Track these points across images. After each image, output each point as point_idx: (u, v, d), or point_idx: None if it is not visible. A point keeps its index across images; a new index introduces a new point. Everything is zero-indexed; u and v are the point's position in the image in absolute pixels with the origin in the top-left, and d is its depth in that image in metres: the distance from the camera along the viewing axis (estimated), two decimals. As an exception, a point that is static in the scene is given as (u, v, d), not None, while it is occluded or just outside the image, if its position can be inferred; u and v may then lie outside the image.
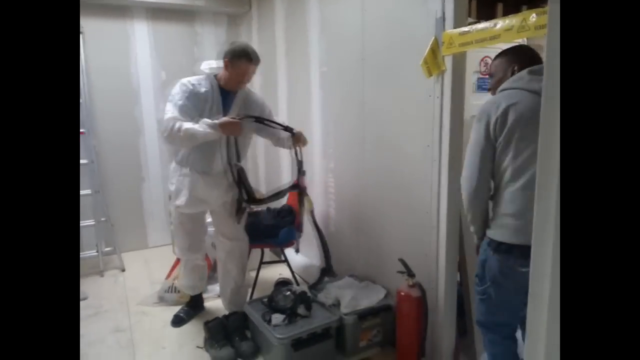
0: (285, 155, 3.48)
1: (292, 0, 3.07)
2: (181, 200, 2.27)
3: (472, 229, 1.67)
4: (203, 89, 2.18)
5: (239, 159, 2.31)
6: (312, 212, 2.44)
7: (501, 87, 1.52)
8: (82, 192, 3.25)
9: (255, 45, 3.83)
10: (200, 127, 2.05)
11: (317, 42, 2.79)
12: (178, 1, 3.58)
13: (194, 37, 3.85)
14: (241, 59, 2.13)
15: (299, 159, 2.36)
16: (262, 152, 4.03)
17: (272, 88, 3.54)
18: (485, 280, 1.58)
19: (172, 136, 2.07)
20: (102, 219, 3.40)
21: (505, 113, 1.43)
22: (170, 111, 2.11)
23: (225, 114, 2.18)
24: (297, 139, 2.32)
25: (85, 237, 3.43)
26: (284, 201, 3.16)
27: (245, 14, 3.89)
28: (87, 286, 3.04)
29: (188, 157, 2.24)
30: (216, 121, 2.06)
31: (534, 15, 1.41)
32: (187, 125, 2.05)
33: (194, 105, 2.13)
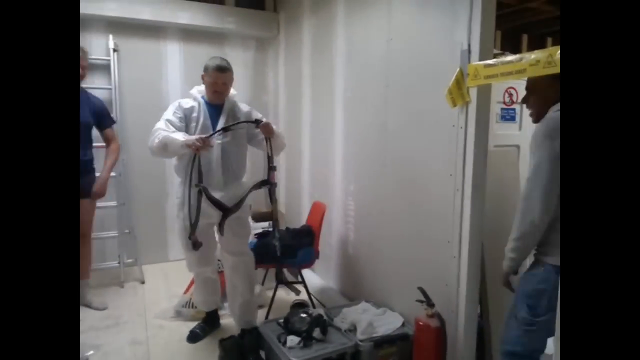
0: (306, 169, 3.52)
1: (320, 27, 3.17)
2: (185, 213, 2.32)
3: (513, 256, 1.58)
4: (189, 105, 2.34)
5: (236, 173, 2.40)
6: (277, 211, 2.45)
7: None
8: (107, 203, 3.34)
9: (282, 68, 3.94)
10: (170, 139, 2.14)
11: (342, 68, 2.85)
12: (209, 24, 3.73)
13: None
14: (209, 70, 2.28)
15: (269, 153, 2.37)
16: (283, 169, 4.09)
17: (297, 111, 3.62)
18: (541, 310, 1.50)
19: (150, 145, 2.22)
20: (126, 231, 3.49)
21: None
22: (157, 124, 2.26)
23: (214, 126, 2.31)
24: (263, 129, 2.32)
25: (108, 248, 3.52)
26: (303, 221, 3.19)
27: (274, 39, 4.01)
28: (108, 297, 3.10)
29: (188, 172, 2.27)
30: (182, 139, 2.12)
31: (559, 51, 1.43)
32: (163, 134, 2.17)
33: (178, 119, 2.28)
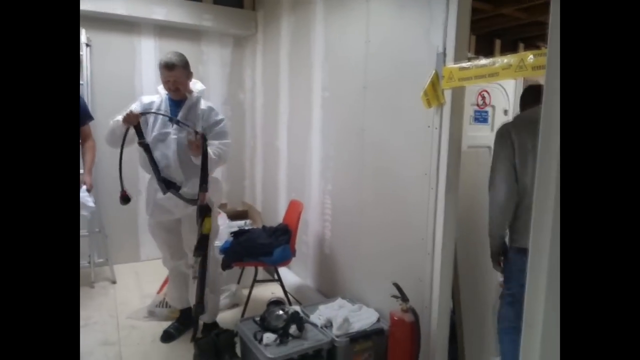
0: (283, 168, 3.53)
1: (298, 26, 3.18)
2: (148, 209, 2.38)
3: (490, 238, 1.98)
4: (149, 100, 2.36)
5: (197, 168, 2.23)
6: (206, 237, 2.20)
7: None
8: (78, 202, 3.24)
9: (260, 67, 3.93)
10: (113, 122, 2.24)
11: (320, 67, 2.88)
12: (185, 20, 3.67)
13: (199, 55, 3.94)
14: (160, 67, 2.26)
15: (202, 168, 2.16)
16: (259, 167, 4.08)
17: (274, 109, 3.62)
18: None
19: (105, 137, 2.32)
20: (96, 230, 3.40)
21: None
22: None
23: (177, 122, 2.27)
24: (189, 144, 2.15)
25: (77, 248, 3.42)
26: (280, 219, 3.19)
27: (252, 37, 4.00)
28: (77, 297, 3.01)
29: (145, 164, 2.31)
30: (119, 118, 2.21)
31: (531, 56, 1.50)
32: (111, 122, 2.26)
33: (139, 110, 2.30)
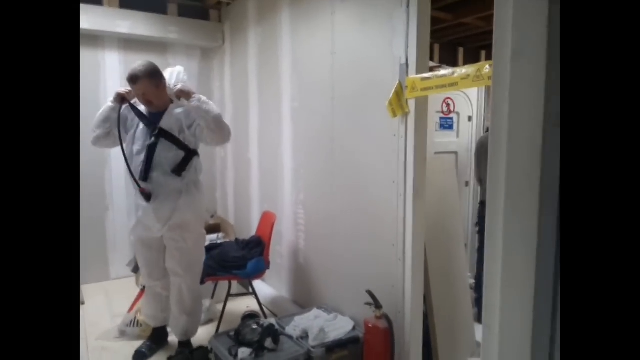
0: (255, 179, 3.51)
1: (265, 37, 3.20)
2: (130, 224, 2.36)
3: None
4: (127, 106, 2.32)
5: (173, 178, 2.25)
6: None
7: None
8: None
9: (228, 78, 3.92)
10: (102, 109, 2.29)
11: (289, 78, 2.90)
12: (150, 33, 3.63)
13: (166, 67, 3.87)
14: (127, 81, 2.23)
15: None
16: (231, 179, 4.04)
17: (244, 121, 3.61)
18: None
19: (92, 134, 2.32)
20: (62, 250, 3.28)
21: None
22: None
23: (155, 127, 2.24)
24: (179, 93, 2.23)
25: (42, 269, 3.28)
26: (253, 231, 3.17)
27: (219, 48, 3.99)
28: (43, 321, 2.89)
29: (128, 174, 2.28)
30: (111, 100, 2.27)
31: (487, 66, 1.56)
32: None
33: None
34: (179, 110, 2.30)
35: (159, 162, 2.23)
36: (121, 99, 2.24)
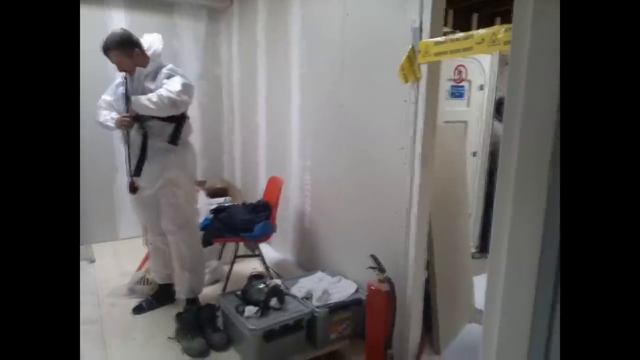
0: (263, 145, 3.52)
1: (275, 1, 3.11)
2: (127, 185, 2.43)
3: None
4: (117, 81, 2.43)
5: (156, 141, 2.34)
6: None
7: None
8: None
9: (236, 40, 3.85)
10: (104, 125, 2.38)
11: (298, 43, 2.84)
12: (157, -9, 3.55)
13: (172, 29, 3.82)
14: None
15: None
16: (238, 143, 4.05)
17: (252, 85, 3.57)
18: None
19: (95, 120, 2.44)
20: (72, 209, 3.34)
21: None
22: (99, 101, 2.47)
23: (127, 96, 2.31)
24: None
25: (53, 227, 3.36)
26: (260, 196, 3.20)
27: (226, 9, 3.89)
28: (55, 277, 2.98)
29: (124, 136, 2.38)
30: (112, 125, 2.33)
31: (503, 30, 1.52)
32: (99, 119, 2.39)
33: (110, 96, 2.42)
34: (162, 77, 2.31)
35: (154, 144, 2.33)
36: (126, 127, 2.31)
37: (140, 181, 2.37)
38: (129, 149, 2.35)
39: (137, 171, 2.34)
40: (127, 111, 2.27)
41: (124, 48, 2.22)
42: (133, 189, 2.38)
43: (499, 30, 1.53)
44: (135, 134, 2.33)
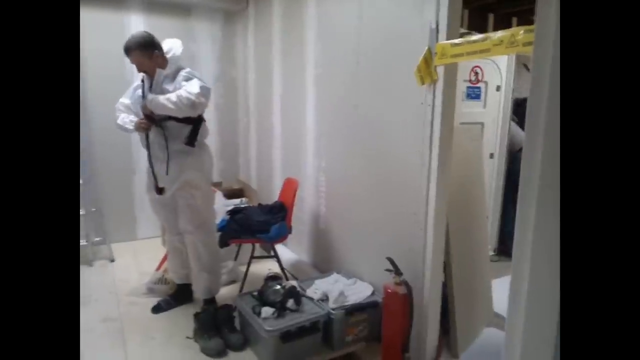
0: (278, 146, 3.54)
1: (291, 3, 3.13)
2: (146, 185, 2.51)
3: None
4: (136, 84, 2.46)
5: (175, 143, 2.36)
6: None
7: None
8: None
9: (251, 43, 3.88)
10: (123, 128, 2.42)
11: (313, 44, 2.85)
12: (174, -5, 3.60)
13: (189, 32, 3.87)
14: None
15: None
16: (254, 144, 4.08)
17: (267, 86, 3.59)
18: None
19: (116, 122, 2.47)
20: (93, 209, 3.41)
21: None
22: (117, 103, 2.50)
23: (144, 98, 2.33)
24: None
25: (74, 227, 3.44)
26: (276, 197, 3.22)
27: (242, 12, 3.92)
28: (76, 276, 3.05)
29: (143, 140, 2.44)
30: (131, 127, 2.38)
31: (522, 32, 1.50)
32: (117, 122, 2.43)
33: (129, 99, 2.45)
34: (177, 78, 2.35)
35: (173, 146, 2.35)
36: (145, 129, 2.36)
37: (160, 182, 2.42)
38: (149, 151, 2.39)
39: (167, 171, 2.37)
40: (142, 109, 2.31)
41: (145, 49, 2.27)
42: (159, 189, 2.43)
43: (518, 32, 1.51)
44: (155, 136, 2.36)
